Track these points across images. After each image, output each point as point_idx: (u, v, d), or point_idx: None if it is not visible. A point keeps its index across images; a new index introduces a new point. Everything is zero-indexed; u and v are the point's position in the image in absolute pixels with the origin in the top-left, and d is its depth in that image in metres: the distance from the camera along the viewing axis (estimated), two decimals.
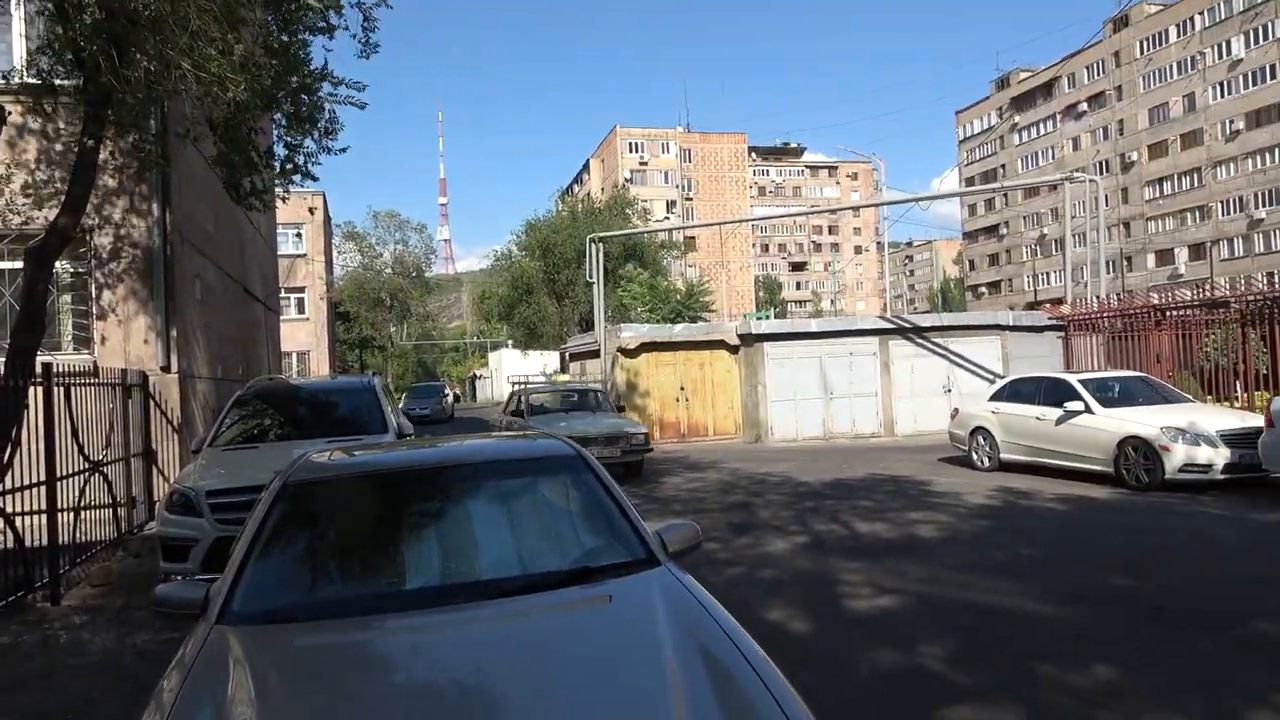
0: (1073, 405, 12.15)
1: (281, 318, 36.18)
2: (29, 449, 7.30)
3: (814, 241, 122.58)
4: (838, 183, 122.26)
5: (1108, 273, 67.69)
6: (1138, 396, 12.41)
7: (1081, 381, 12.55)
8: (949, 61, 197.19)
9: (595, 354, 23.95)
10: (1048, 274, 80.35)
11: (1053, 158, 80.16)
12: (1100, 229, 22.81)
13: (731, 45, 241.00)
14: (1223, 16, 65.03)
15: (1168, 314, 16.39)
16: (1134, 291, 22.51)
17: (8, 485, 7.17)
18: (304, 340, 40.91)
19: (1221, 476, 10.61)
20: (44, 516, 7.35)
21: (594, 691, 2.37)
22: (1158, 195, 71.19)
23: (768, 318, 53.53)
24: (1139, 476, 11.05)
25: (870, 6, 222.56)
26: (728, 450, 19.21)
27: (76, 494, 8.22)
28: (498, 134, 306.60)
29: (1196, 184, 68.03)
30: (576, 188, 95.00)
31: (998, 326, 21.48)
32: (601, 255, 25.73)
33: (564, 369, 34.80)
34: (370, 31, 9.19)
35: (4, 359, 7.42)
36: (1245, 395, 14.22)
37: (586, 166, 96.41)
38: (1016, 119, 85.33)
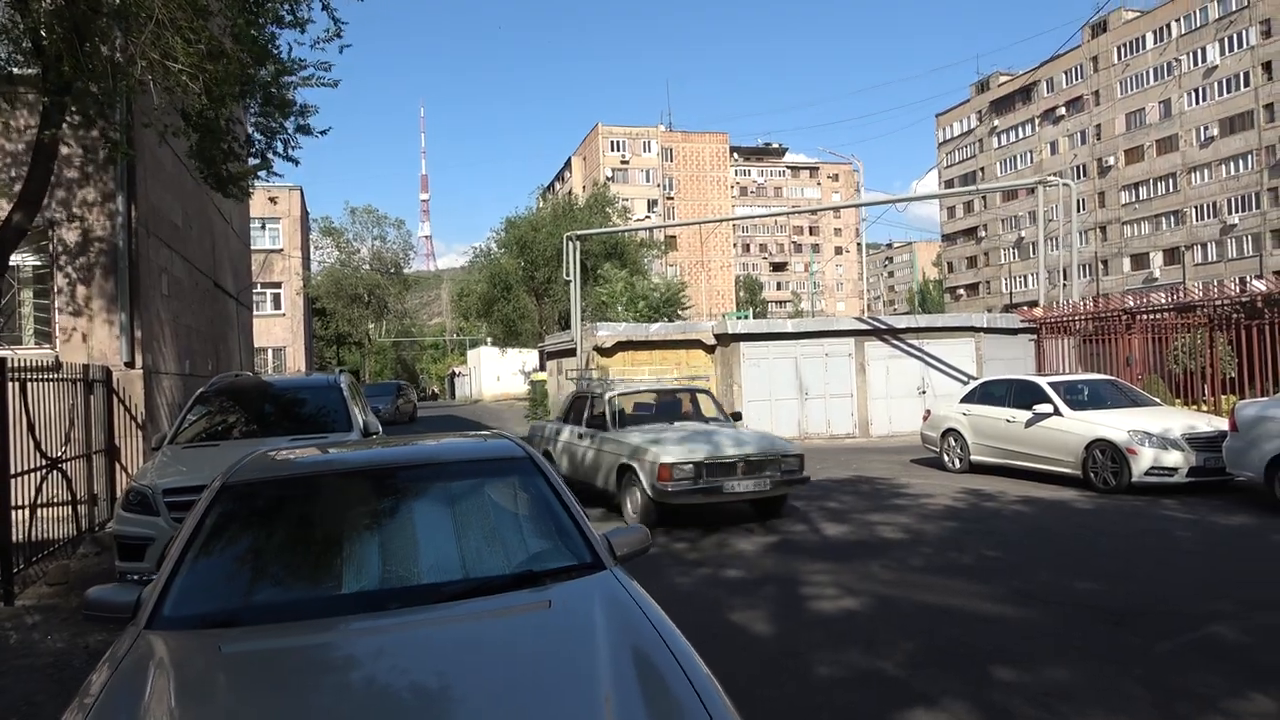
0: (1042, 408, 12.22)
1: (257, 313, 35.93)
2: None
3: (795, 242, 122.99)
4: (819, 183, 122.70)
5: (1085, 276, 68.45)
6: (1106, 399, 12.49)
7: (1051, 384, 12.62)
8: (930, 64, 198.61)
9: (572, 352, 23.88)
10: (1025, 277, 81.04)
11: (1031, 161, 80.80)
12: (1074, 233, 22.98)
13: (714, 45, 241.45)
14: (1198, 24, 65.79)
15: (1138, 318, 16.53)
16: (1110, 295, 22.77)
17: None
18: (280, 336, 40.55)
19: (1186, 480, 10.70)
20: None
21: (524, 697, 2.33)
22: (1134, 200, 71.91)
23: (746, 317, 53.57)
24: (1106, 479, 11.13)
25: (852, 9, 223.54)
26: None
27: (33, 491, 8.08)
28: (481, 131, 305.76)
29: (1172, 189, 68.79)
30: (558, 185, 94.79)
31: (972, 329, 21.59)
32: (578, 253, 25.64)
33: (542, 367, 34.64)
34: (337, 21, 9.09)
35: None
36: (1212, 399, 14.36)
37: (568, 164, 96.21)
38: (995, 122, 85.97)
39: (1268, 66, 61.00)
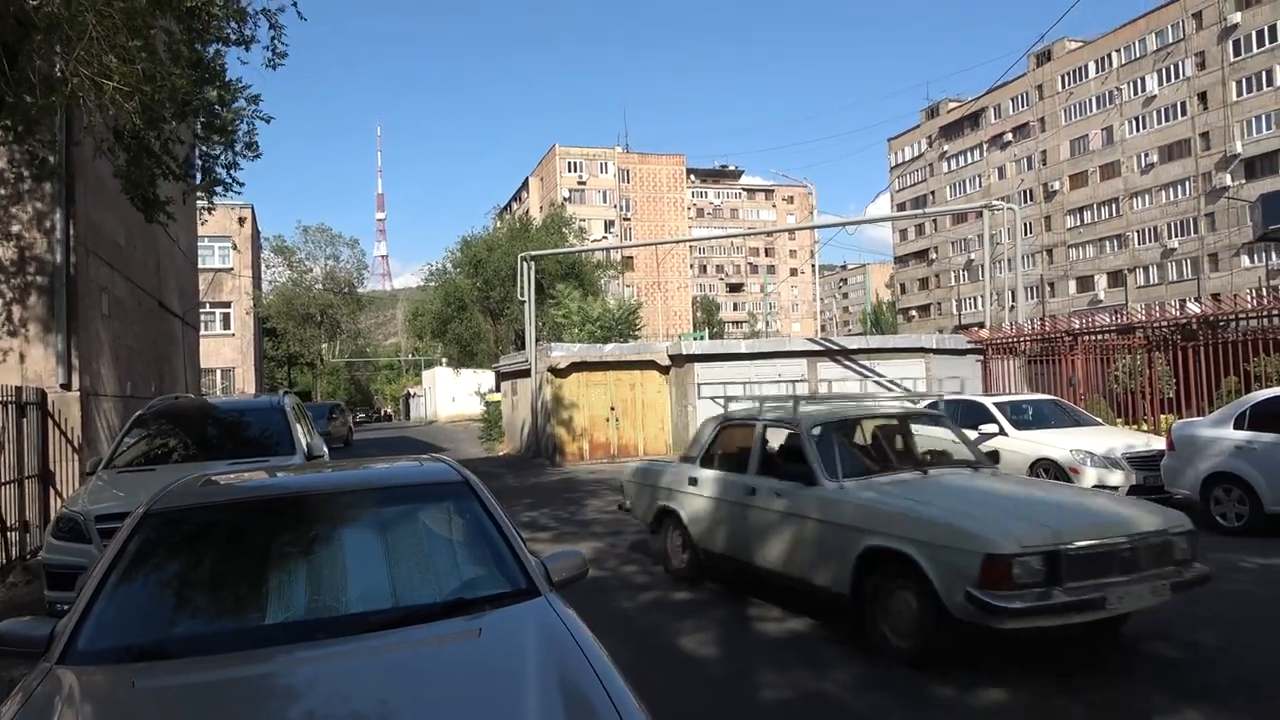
0: (987, 428, 12.39)
1: (206, 334, 35.21)
2: None
3: (751, 263, 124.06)
4: (774, 205, 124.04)
5: (1032, 298, 69.98)
6: (1050, 419, 12.72)
7: (996, 404, 12.82)
8: (882, 90, 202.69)
9: (527, 373, 23.77)
10: (975, 298, 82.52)
11: (980, 185, 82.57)
12: (1018, 256, 23.49)
13: (671, 68, 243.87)
14: (1138, 55, 67.98)
15: (1081, 339, 16.90)
16: (1056, 316, 23.36)
17: None
18: (230, 357, 39.81)
19: (1127, 498, 10.91)
20: None
21: None
22: (1079, 224, 73.80)
23: (702, 338, 53.87)
24: None
25: (806, 35, 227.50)
26: None
27: None
28: (438, 151, 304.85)
29: (1115, 214, 70.74)
30: (515, 205, 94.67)
31: (922, 349, 21.90)
32: (533, 273, 25.58)
33: (497, 388, 34.42)
34: (279, 41, 9.00)
35: None
36: (1151, 418, 14.71)
37: (526, 185, 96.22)
38: (945, 147, 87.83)
39: (1203, 97, 63.18)
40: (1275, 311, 14.23)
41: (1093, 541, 5.03)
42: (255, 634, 2.90)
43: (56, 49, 7.38)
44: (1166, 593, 5.11)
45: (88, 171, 11.07)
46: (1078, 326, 17.54)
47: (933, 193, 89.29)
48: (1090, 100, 72.17)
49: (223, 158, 10.66)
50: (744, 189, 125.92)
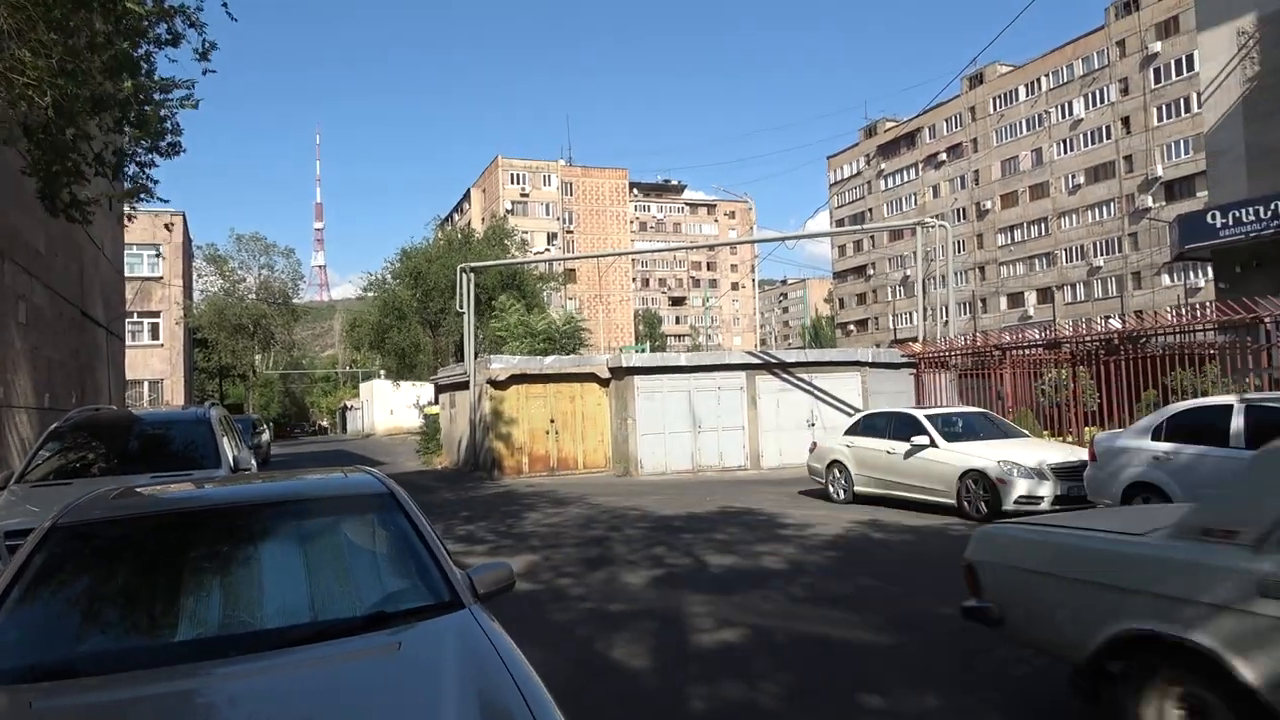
0: (919, 439, 12.66)
1: (133, 344, 34.19)
2: None
3: (693, 277, 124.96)
4: (716, 220, 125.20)
5: (965, 313, 71.75)
6: (979, 431, 13.03)
7: (928, 417, 13.10)
8: (822, 109, 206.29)
9: (466, 385, 23.53)
10: (910, 313, 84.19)
11: (916, 203, 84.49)
12: (950, 273, 24.06)
13: (614, 83, 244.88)
14: (1065, 79, 70.45)
15: (1009, 353, 17.36)
16: (988, 331, 23.98)
17: None
18: (158, 368, 38.67)
19: (1052, 508, 11.21)
20: None
21: None
22: (1009, 242, 75.99)
23: (644, 350, 53.94)
24: (978, 507, 11.58)
25: (747, 54, 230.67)
26: (596, 484, 19.13)
27: None
28: (379, 161, 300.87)
29: (1044, 232, 73.00)
30: (457, 217, 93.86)
31: (858, 363, 22.27)
32: (472, 285, 25.36)
33: (436, 400, 33.97)
34: (204, 37, 8.79)
35: None
36: (1075, 430, 15.16)
37: (467, 196, 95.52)
38: (883, 166, 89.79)
39: (1126, 121, 65.70)
40: (1192, 328, 14.80)
41: None
42: (165, 651, 2.80)
43: None
44: None
45: (5, 174, 10.67)
46: (1007, 341, 18.01)
47: (870, 210, 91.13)
48: (1020, 122, 74.51)
49: (140, 155, 10.31)
50: (686, 204, 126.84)
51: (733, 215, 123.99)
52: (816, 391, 21.73)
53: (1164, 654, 3.57)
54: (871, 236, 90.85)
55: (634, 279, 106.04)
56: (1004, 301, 76.31)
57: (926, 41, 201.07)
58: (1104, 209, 68.03)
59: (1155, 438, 9.94)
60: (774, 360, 22.54)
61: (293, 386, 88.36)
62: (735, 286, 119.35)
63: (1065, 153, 70.74)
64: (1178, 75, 60.96)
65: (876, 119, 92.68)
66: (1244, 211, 14.72)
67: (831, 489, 14.30)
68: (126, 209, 11.37)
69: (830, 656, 5.89)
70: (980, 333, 21.27)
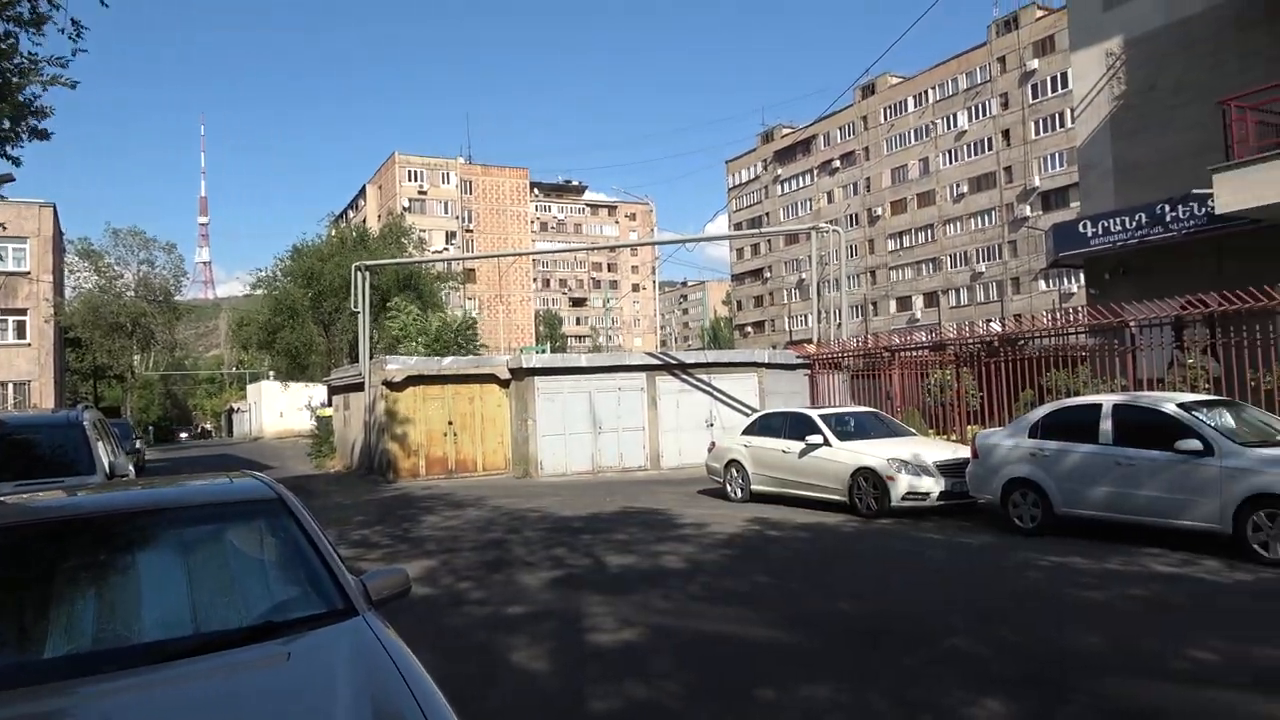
0: (813, 439, 12.99)
1: None
2: None
3: (594, 278, 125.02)
4: (617, 222, 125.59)
5: (857, 316, 74.10)
6: (870, 430, 13.46)
7: (822, 417, 13.46)
8: (721, 113, 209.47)
9: (361, 386, 22.93)
10: (806, 316, 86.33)
11: (811, 208, 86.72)
12: (843, 276, 24.80)
13: (515, 81, 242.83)
14: (951, 92, 73.61)
15: (898, 355, 18.00)
16: (878, 333, 24.84)
17: None
18: (24, 369, 36.34)
19: (937, 503, 11.70)
20: None
21: None
22: (899, 247, 78.89)
23: (544, 351, 53.66)
24: (869, 504, 11.96)
25: (648, 56, 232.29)
26: (495, 486, 18.93)
27: None
28: (268, 154, 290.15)
29: (930, 238, 76.07)
30: (351, 214, 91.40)
31: (755, 364, 22.68)
32: (368, 284, 24.74)
33: (329, 402, 33.01)
34: (73, 20, 8.33)
35: None
36: (959, 429, 15.83)
37: (363, 192, 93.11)
38: (779, 171, 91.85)
39: (1006, 134, 69.07)
40: (1065, 331, 15.65)
41: None
42: (32, 669, 2.64)
43: None
44: None
45: None
46: (896, 344, 18.67)
47: (768, 214, 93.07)
48: (910, 132, 77.43)
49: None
50: (587, 204, 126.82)
51: (633, 217, 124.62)
52: (715, 392, 22.03)
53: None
54: (768, 240, 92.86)
55: (535, 279, 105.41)
56: (893, 305, 79.12)
57: (822, 51, 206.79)
58: (986, 217, 71.35)
59: (1032, 435, 10.48)
60: (674, 361, 22.75)
61: (175, 388, 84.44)
62: (636, 288, 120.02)
63: (950, 163, 73.89)
64: (1054, 92, 64.41)
65: (774, 125, 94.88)
66: (1112, 222, 15.64)
67: (729, 488, 14.53)
68: None
69: (728, 654, 5.99)
70: (871, 335, 21.99)
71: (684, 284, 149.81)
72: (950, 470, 11.78)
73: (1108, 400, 10.04)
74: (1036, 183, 66.22)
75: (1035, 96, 66.59)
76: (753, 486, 14.09)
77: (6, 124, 9.29)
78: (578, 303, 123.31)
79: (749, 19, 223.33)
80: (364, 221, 68.69)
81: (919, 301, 76.80)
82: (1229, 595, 7.20)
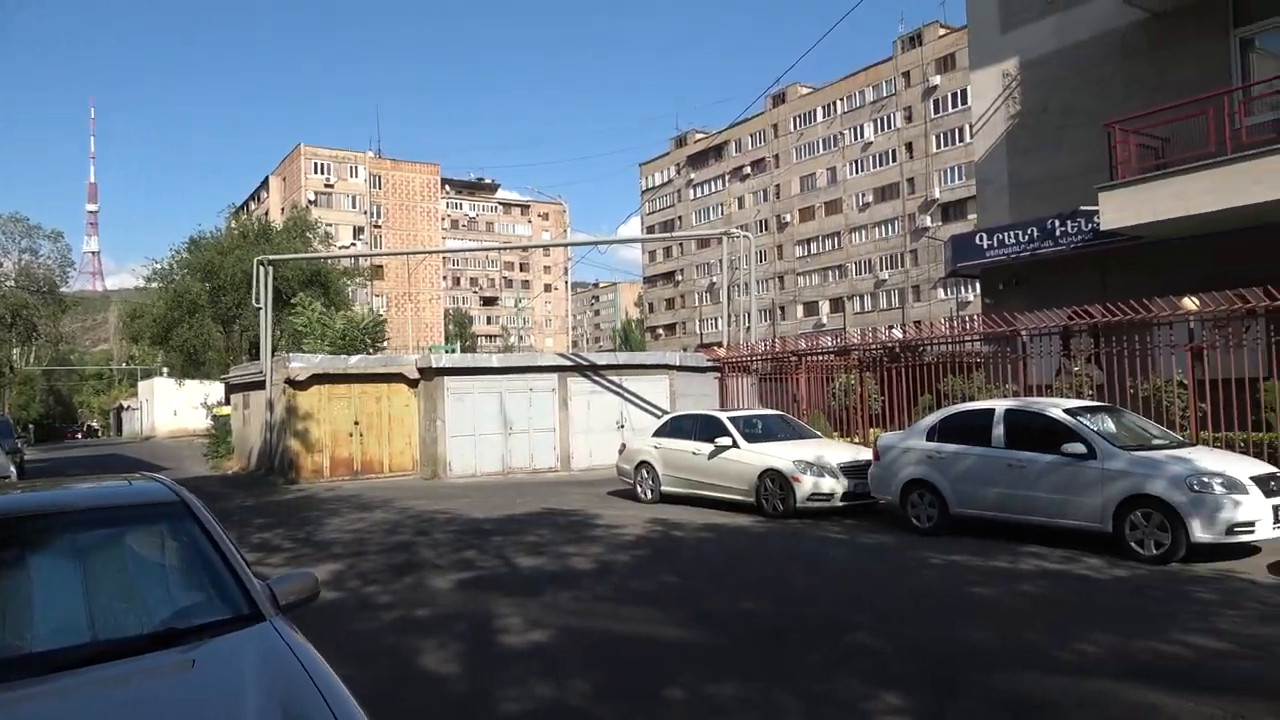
0: (722, 440, 13.20)
1: None
2: None
3: (505, 277, 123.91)
4: (529, 221, 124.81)
5: (766, 320, 75.55)
6: (777, 433, 13.76)
7: (730, 419, 13.69)
8: (636, 117, 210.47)
9: (262, 384, 22.21)
10: (716, 319, 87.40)
11: (723, 213, 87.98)
12: (753, 281, 25.25)
13: (425, 74, 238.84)
14: (858, 104, 75.79)
15: (805, 359, 18.45)
16: (785, 338, 25.40)
17: None
18: None
19: (841, 504, 12.04)
20: None
21: None
22: (807, 254, 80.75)
23: (454, 351, 52.93)
24: (775, 505, 12.23)
25: (565, 54, 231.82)
26: (402, 487, 18.60)
27: None
28: (165, 140, 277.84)
29: (837, 246, 78.10)
30: (253, 205, 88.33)
31: (667, 366, 22.89)
32: (270, 279, 23.98)
33: (227, 401, 31.84)
34: None
35: None
36: (862, 431, 16.32)
37: (266, 184, 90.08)
38: (692, 175, 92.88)
39: (910, 147, 71.52)
40: (962, 338, 16.31)
41: None
42: None
43: None
44: None
45: None
46: (803, 348, 19.13)
47: (680, 217, 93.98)
48: (818, 142, 79.35)
49: None
50: (500, 203, 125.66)
51: (546, 217, 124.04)
52: (626, 394, 22.14)
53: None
54: (680, 243, 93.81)
55: (445, 277, 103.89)
56: (800, 310, 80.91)
57: (735, 58, 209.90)
58: (890, 226, 73.68)
59: (929, 438, 10.89)
60: (586, 362, 22.77)
61: (58, 384, 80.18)
62: (548, 288, 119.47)
63: (856, 173, 76.05)
64: (954, 107, 66.94)
65: (687, 130, 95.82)
66: (1006, 235, 16.37)
67: (640, 489, 14.63)
68: None
69: (637, 654, 6.06)
70: (779, 339, 22.47)
71: (596, 285, 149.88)
72: (853, 472, 12.14)
73: (1000, 405, 10.51)
74: (937, 194, 68.72)
75: (937, 111, 69.12)
76: (663, 488, 14.23)
77: None
78: (489, 302, 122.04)
79: (662, 22, 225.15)
80: (266, 214, 66.43)
81: (825, 307, 78.72)
82: (1109, 591, 7.63)
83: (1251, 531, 8.34)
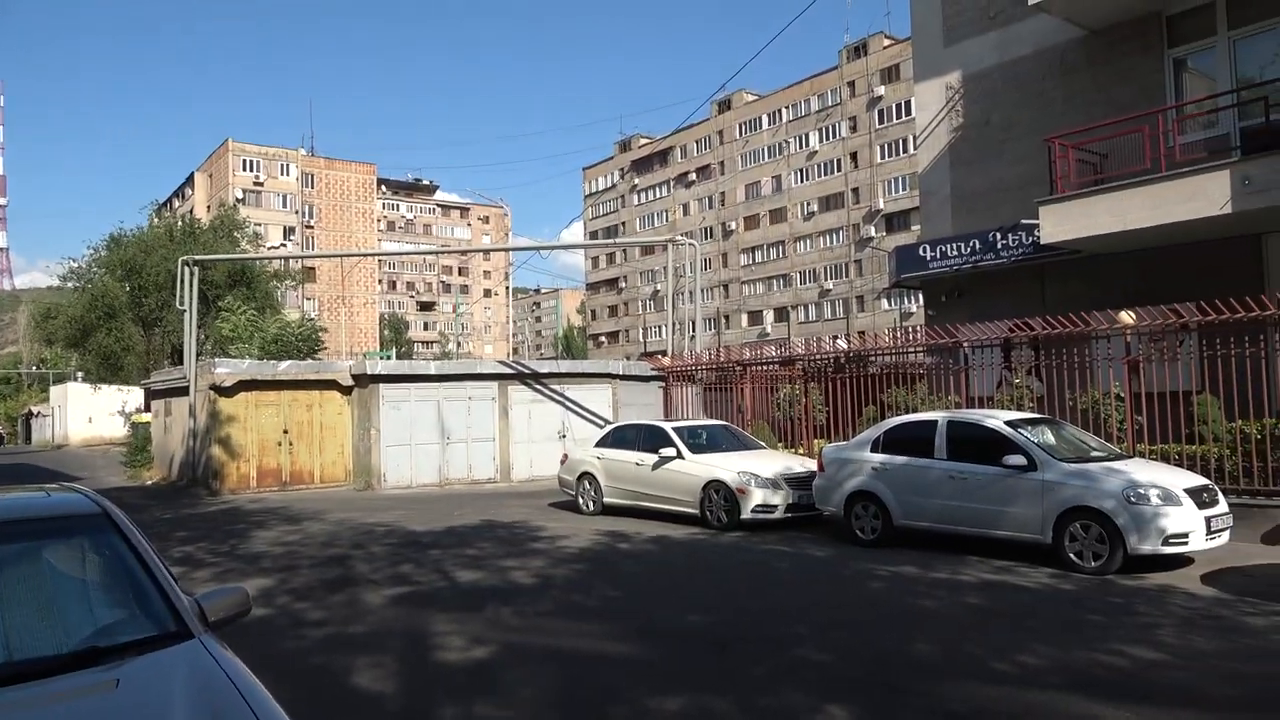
0: (666, 451, 13.26)
1: None
2: None
3: (444, 282, 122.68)
4: (469, 224, 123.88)
5: (710, 329, 75.98)
6: (721, 443, 13.87)
7: (675, 429, 13.76)
8: (578, 119, 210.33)
9: (185, 390, 21.64)
10: (660, 327, 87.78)
11: (667, 220, 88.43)
12: (697, 289, 25.45)
13: (360, 72, 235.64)
14: (804, 113, 76.92)
15: (750, 369, 18.62)
16: (730, 346, 25.67)
17: None
18: None
19: (786, 515, 12.17)
20: None
21: None
22: (751, 262, 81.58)
23: (389, 357, 52.30)
24: (720, 517, 12.32)
25: (506, 54, 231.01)
26: (335, 499, 18.28)
27: None
28: (82, 132, 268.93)
29: (781, 255, 79.08)
30: (177, 203, 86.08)
31: (609, 375, 22.92)
32: (196, 280, 23.41)
33: (147, 408, 30.93)
34: None
35: None
36: (807, 443, 16.53)
37: (191, 180, 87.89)
38: (636, 181, 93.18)
39: (855, 157, 72.80)
40: (905, 349, 16.64)
41: None
42: None
43: None
44: None
45: None
46: (747, 358, 19.30)
47: (624, 223, 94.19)
48: (764, 149, 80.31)
49: None
50: (438, 205, 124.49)
51: (487, 220, 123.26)
52: (568, 403, 22.10)
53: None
54: (624, 250, 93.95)
55: (380, 281, 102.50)
56: (745, 319, 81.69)
57: (680, 61, 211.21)
58: (834, 236, 74.86)
59: (874, 450, 11.09)
60: (527, 370, 22.69)
61: None
62: (488, 293, 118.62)
63: (802, 181, 77.14)
64: (898, 118, 68.33)
65: (631, 134, 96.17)
66: (949, 247, 16.78)
67: (581, 501, 14.61)
68: None
69: (580, 670, 6.05)
70: (724, 348, 22.63)
71: (538, 291, 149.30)
72: (798, 483, 12.29)
73: (943, 417, 10.75)
74: (881, 205, 70.07)
75: (881, 122, 70.50)
76: (605, 499, 14.23)
77: None
78: (426, 307, 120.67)
79: (607, 20, 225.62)
80: (191, 212, 64.87)
81: (770, 316, 79.61)
82: (1049, 602, 7.85)
83: (1186, 543, 8.66)
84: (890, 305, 68.45)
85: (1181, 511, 8.64)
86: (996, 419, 10.20)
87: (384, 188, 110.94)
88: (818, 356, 17.44)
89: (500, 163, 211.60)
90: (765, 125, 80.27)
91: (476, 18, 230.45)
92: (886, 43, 70.28)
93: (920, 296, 20.58)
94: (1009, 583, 8.58)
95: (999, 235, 15.75)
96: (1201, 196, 12.15)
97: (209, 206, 75.90)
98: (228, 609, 3.25)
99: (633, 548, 11.15)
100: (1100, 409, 12.20)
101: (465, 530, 12.75)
